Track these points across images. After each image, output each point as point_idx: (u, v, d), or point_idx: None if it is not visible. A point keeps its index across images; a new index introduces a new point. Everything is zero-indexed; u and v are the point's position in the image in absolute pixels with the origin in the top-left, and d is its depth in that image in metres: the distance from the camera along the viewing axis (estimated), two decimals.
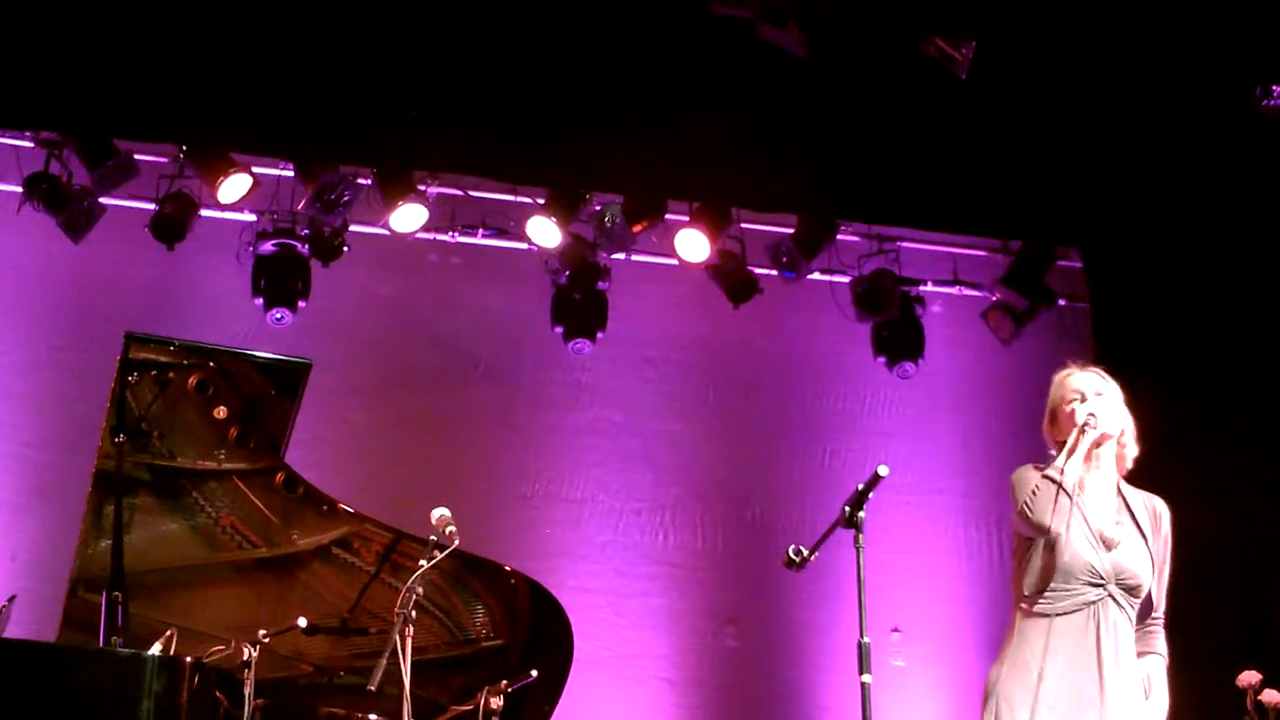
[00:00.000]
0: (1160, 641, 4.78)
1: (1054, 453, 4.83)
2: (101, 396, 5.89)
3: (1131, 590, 4.67)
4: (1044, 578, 4.66)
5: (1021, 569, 4.73)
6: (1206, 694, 6.78)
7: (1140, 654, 4.71)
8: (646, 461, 8.77)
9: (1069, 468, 4.66)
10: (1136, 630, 4.71)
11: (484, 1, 7.69)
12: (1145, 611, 4.74)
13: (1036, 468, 4.78)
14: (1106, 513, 4.73)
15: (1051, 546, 4.65)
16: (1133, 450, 4.86)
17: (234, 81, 7.55)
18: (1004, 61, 7.66)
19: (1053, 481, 4.65)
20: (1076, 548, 4.63)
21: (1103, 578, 4.64)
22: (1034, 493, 4.65)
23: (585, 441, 8.74)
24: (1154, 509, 4.84)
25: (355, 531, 6.18)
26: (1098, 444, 4.75)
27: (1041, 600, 4.65)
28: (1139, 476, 4.97)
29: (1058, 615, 4.62)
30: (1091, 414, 4.71)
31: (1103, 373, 4.90)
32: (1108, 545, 4.67)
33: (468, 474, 8.41)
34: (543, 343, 8.71)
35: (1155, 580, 4.75)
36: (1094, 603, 4.63)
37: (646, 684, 8.43)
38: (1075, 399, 4.80)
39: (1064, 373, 4.91)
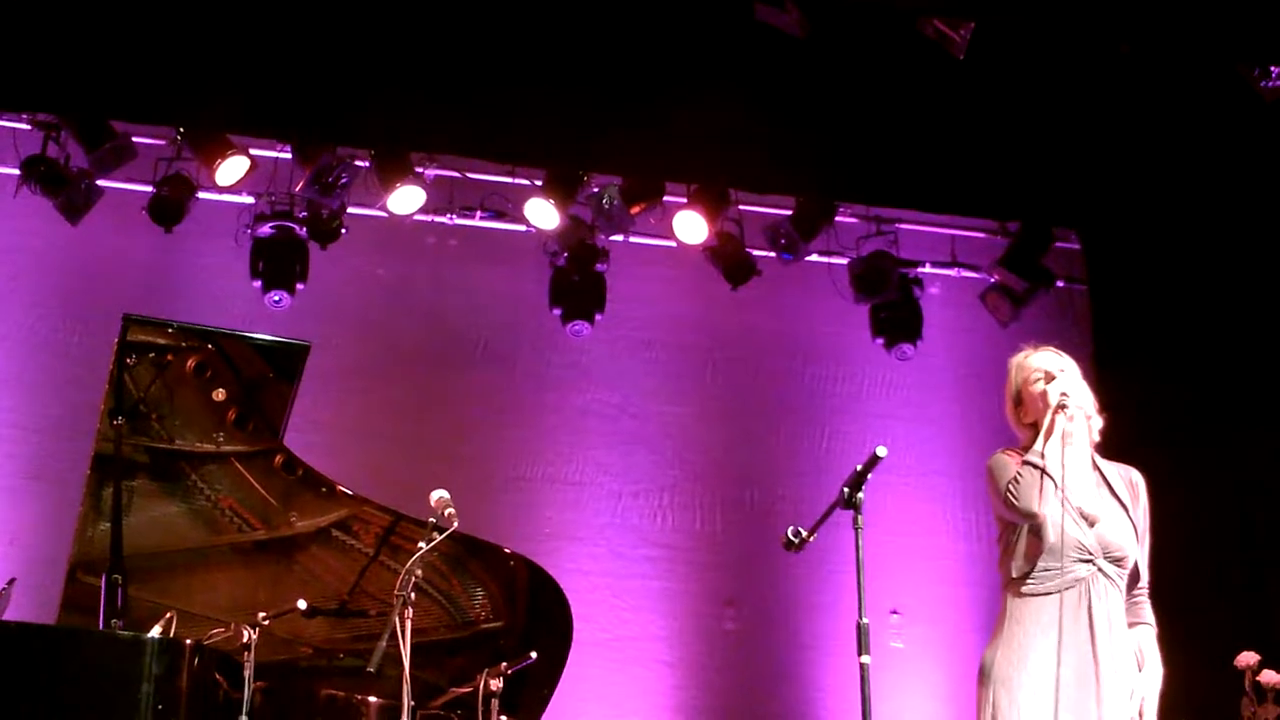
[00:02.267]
0: (1148, 611, 4.80)
1: (1022, 437, 4.84)
2: (100, 379, 5.88)
3: (1119, 562, 4.69)
4: (1031, 559, 4.68)
5: (1008, 553, 4.75)
6: (1204, 675, 6.80)
7: (1130, 625, 4.73)
8: (645, 443, 8.77)
9: (1049, 450, 4.68)
10: (1125, 602, 4.72)
11: None
12: (1132, 583, 4.75)
13: (1011, 453, 4.79)
14: (1085, 488, 4.75)
15: (1037, 529, 4.67)
16: (1098, 422, 4.86)
17: (231, 63, 7.53)
18: (1002, 42, 7.65)
19: (1034, 466, 4.66)
20: (1063, 527, 4.64)
21: (1091, 553, 4.66)
22: (1017, 479, 4.67)
23: (584, 423, 8.74)
24: (1130, 479, 4.86)
25: (354, 514, 6.17)
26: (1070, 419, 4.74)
27: (1031, 581, 4.67)
28: (1136, 456, 4.97)
29: (1049, 594, 4.64)
30: (1064, 393, 4.72)
31: (1057, 350, 4.91)
32: (1089, 521, 4.68)
33: (466, 456, 8.41)
34: (541, 325, 8.71)
35: (1139, 551, 4.77)
36: (1084, 579, 4.65)
37: (645, 666, 8.44)
38: (1039, 379, 4.82)
39: (1020, 355, 4.93)
